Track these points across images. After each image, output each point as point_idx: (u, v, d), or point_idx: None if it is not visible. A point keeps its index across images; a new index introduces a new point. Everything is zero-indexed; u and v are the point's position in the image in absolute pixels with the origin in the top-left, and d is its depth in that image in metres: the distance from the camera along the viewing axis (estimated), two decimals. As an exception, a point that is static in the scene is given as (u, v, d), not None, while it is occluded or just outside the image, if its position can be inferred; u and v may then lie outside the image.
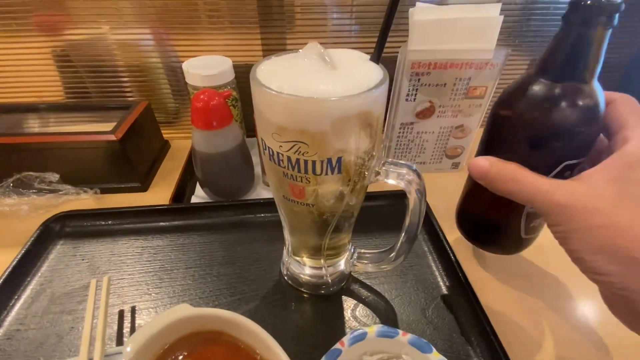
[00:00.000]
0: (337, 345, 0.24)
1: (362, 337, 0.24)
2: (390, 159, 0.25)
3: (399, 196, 0.44)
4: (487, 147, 0.30)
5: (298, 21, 0.50)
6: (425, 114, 0.46)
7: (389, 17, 0.21)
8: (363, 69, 0.21)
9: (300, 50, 0.24)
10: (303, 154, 0.21)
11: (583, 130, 0.25)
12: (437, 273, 0.36)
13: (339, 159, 0.22)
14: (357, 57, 0.23)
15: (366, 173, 0.24)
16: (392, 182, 0.25)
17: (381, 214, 0.42)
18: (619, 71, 0.59)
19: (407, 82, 0.42)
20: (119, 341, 0.30)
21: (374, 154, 0.24)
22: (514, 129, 0.26)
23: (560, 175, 0.26)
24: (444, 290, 0.35)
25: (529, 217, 0.30)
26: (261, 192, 0.47)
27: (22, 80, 0.52)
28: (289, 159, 0.22)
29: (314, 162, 0.21)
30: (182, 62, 0.52)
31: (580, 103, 0.24)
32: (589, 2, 0.22)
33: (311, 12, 0.49)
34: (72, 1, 0.46)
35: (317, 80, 0.20)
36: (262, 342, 0.22)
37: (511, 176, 0.23)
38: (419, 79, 0.42)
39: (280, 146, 0.21)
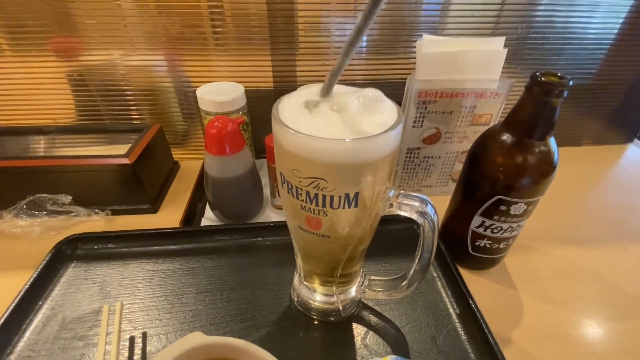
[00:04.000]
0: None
1: (377, 369, 0.24)
2: (403, 191, 0.25)
3: (407, 220, 0.44)
4: (467, 172, 0.36)
5: (303, 44, 0.51)
6: (432, 139, 0.47)
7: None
8: (381, 110, 0.22)
9: (316, 84, 0.25)
10: (322, 189, 0.22)
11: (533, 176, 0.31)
12: (446, 300, 0.37)
13: (357, 194, 0.22)
14: (374, 96, 0.24)
15: (381, 204, 0.25)
16: (405, 214, 0.25)
17: (389, 237, 0.42)
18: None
19: (414, 109, 0.44)
20: (131, 369, 0.30)
21: (389, 185, 0.25)
22: (483, 167, 0.34)
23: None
24: (454, 318, 0.35)
25: (474, 236, 0.37)
26: (270, 215, 0.48)
27: (37, 103, 0.54)
28: (307, 193, 0.22)
29: (332, 197, 0.22)
30: (194, 85, 0.54)
31: (535, 157, 0.31)
32: (544, 79, 0.28)
33: (317, 30, 0.50)
34: (89, 27, 0.48)
35: (339, 121, 0.21)
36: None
37: None
38: (425, 107, 0.43)
39: (300, 182, 0.22)
